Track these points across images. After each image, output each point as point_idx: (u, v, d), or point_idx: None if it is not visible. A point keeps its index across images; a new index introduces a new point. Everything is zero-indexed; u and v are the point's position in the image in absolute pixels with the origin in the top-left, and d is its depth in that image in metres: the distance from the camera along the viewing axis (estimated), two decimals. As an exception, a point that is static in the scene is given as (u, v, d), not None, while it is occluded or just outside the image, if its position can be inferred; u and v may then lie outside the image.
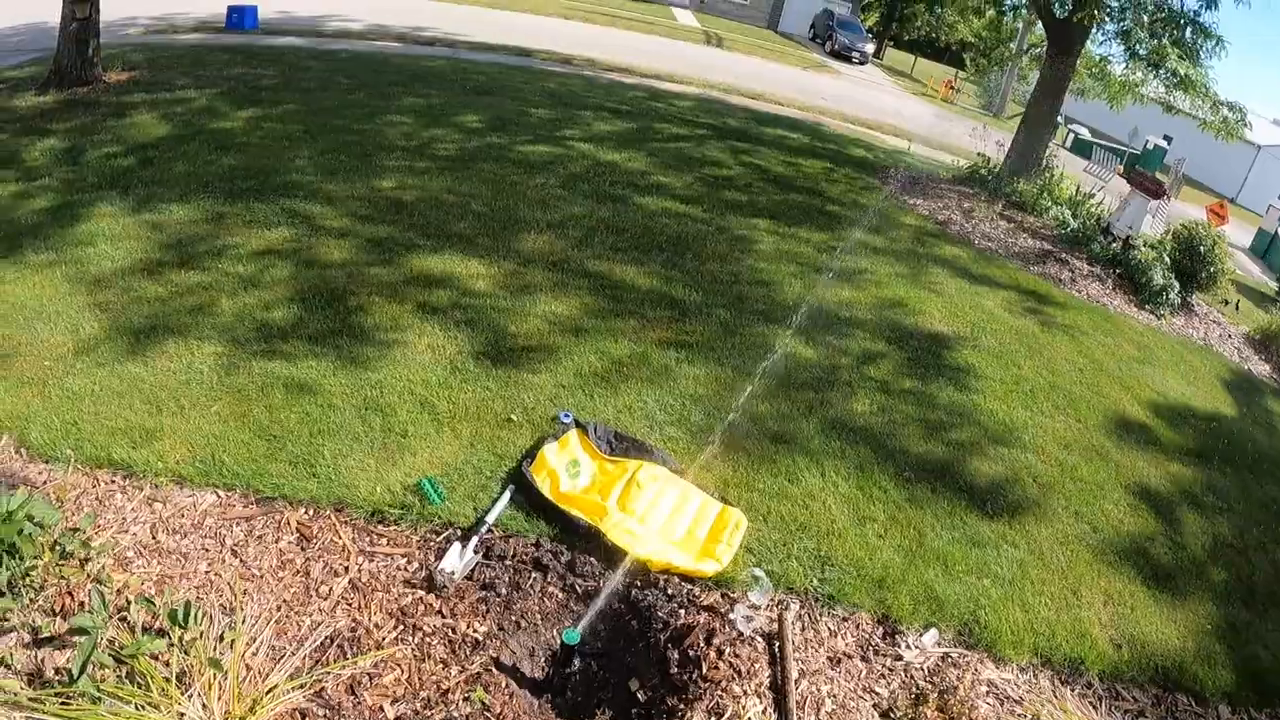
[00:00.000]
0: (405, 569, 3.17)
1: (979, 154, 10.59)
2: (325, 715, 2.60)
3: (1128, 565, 3.95)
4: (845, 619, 3.31)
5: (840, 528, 3.72)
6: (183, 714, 2.50)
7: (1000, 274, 7.24)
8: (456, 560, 3.20)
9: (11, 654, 2.53)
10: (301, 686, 2.67)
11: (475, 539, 3.29)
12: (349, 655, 2.79)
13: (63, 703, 2.42)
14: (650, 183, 7.67)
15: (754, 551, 3.51)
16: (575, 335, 4.79)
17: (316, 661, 2.77)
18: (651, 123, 10.35)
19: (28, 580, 2.70)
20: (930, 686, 3.09)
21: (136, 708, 2.46)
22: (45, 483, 3.26)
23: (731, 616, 3.18)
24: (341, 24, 14.34)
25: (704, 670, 2.93)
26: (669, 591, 3.23)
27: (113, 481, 3.32)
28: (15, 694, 2.41)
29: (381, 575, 3.13)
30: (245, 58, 10.55)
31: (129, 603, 2.73)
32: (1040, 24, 11.54)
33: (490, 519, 3.39)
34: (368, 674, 2.75)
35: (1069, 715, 3.12)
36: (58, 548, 2.82)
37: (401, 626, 2.94)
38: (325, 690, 2.67)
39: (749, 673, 2.95)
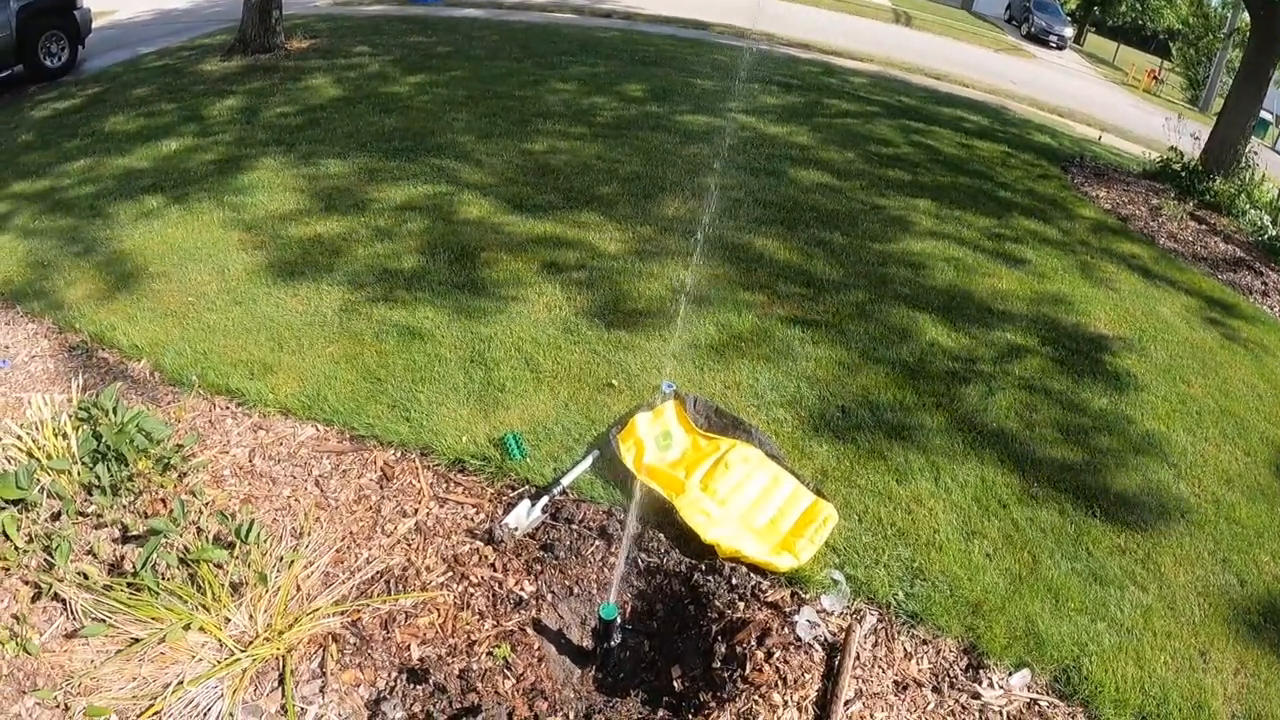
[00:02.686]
0: (472, 519, 3.21)
1: (1171, 148, 9.23)
2: (355, 644, 2.69)
3: (1272, 632, 3.19)
4: (926, 642, 2.93)
5: (943, 540, 3.30)
6: (229, 619, 2.68)
7: (1182, 278, 6.18)
8: (522, 516, 3.19)
9: (100, 545, 2.85)
10: (342, 613, 2.79)
11: (545, 499, 3.26)
12: (392, 592, 2.87)
13: (130, 593, 2.68)
14: (809, 157, 7.29)
15: (839, 552, 3.19)
16: (699, 305, 4.64)
17: (362, 593, 2.87)
18: (821, 98, 9.85)
19: (129, 484, 3.02)
20: None
21: (190, 607, 2.68)
22: (170, 403, 3.66)
23: (794, 619, 2.91)
24: (522, -3, 14.90)
25: (746, 671, 2.69)
26: (733, 581, 3.00)
27: (227, 408, 3.65)
28: (93, 579, 2.70)
29: (447, 521, 3.19)
30: (422, 27, 11.32)
31: (201, 514, 2.97)
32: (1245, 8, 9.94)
33: (566, 481, 3.35)
34: (405, 612, 2.81)
35: None
36: (161, 460, 3.14)
37: (451, 573, 2.97)
38: (361, 620, 2.77)
39: (796, 683, 2.67)
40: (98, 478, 2.94)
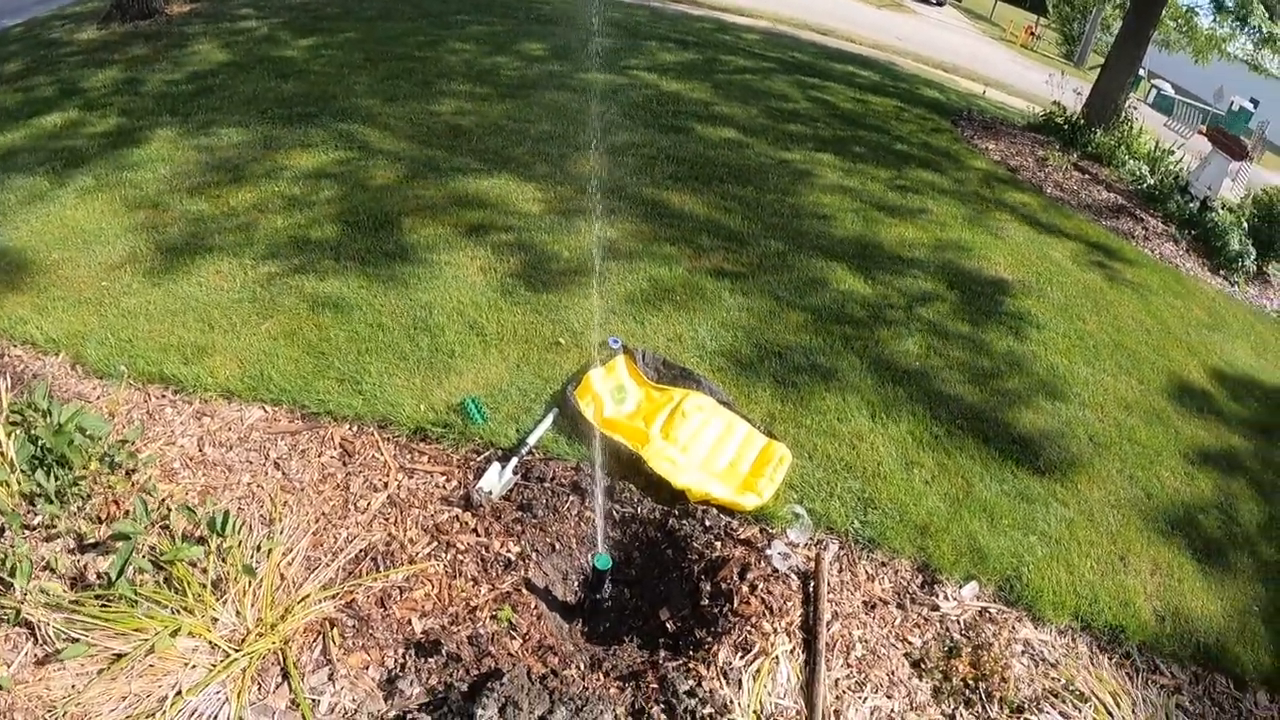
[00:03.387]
0: (444, 487, 3.09)
1: (1055, 102, 9.76)
2: (354, 625, 2.56)
3: (1178, 535, 3.60)
4: (884, 564, 3.11)
5: (886, 471, 3.47)
6: (216, 619, 2.48)
7: (1070, 225, 6.68)
8: (495, 480, 3.10)
9: (57, 558, 2.54)
10: (333, 597, 2.63)
11: (515, 460, 3.18)
12: (381, 569, 2.73)
13: (102, 605, 2.43)
14: (713, 113, 7.27)
15: (796, 489, 3.31)
16: (628, 261, 4.58)
17: (349, 574, 2.72)
18: (717, 54, 9.79)
19: (76, 489, 2.70)
20: (965, 640, 2.88)
21: (172, 611, 2.46)
22: (99, 397, 3.28)
23: (768, 552, 3.01)
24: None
25: (735, 604, 2.78)
26: (706, 523, 3.07)
27: (163, 396, 3.32)
28: (58, 596, 2.43)
29: (420, 492, 3.05)
30: (308, -13, 10.35)
31: (170, 511, 2.71)
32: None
33: (531, 441, 3.28)
34: (398, 587, 2.69)
35: (1104, 684, 2.87)
36: (106, 458, 2.82)
37: (435, 543, 2.86)
38: (356, 601, 2.63)
39: (781, 610, 2.78)
40: (40, 485, 2.60)
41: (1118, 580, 3.26)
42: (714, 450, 3.40)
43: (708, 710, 2.42)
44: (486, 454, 3.24)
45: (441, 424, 3.32)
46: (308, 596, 2.62)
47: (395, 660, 2.50)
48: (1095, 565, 3.31)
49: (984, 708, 2.68)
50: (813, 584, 2.93)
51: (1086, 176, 8.10)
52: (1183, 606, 3.25)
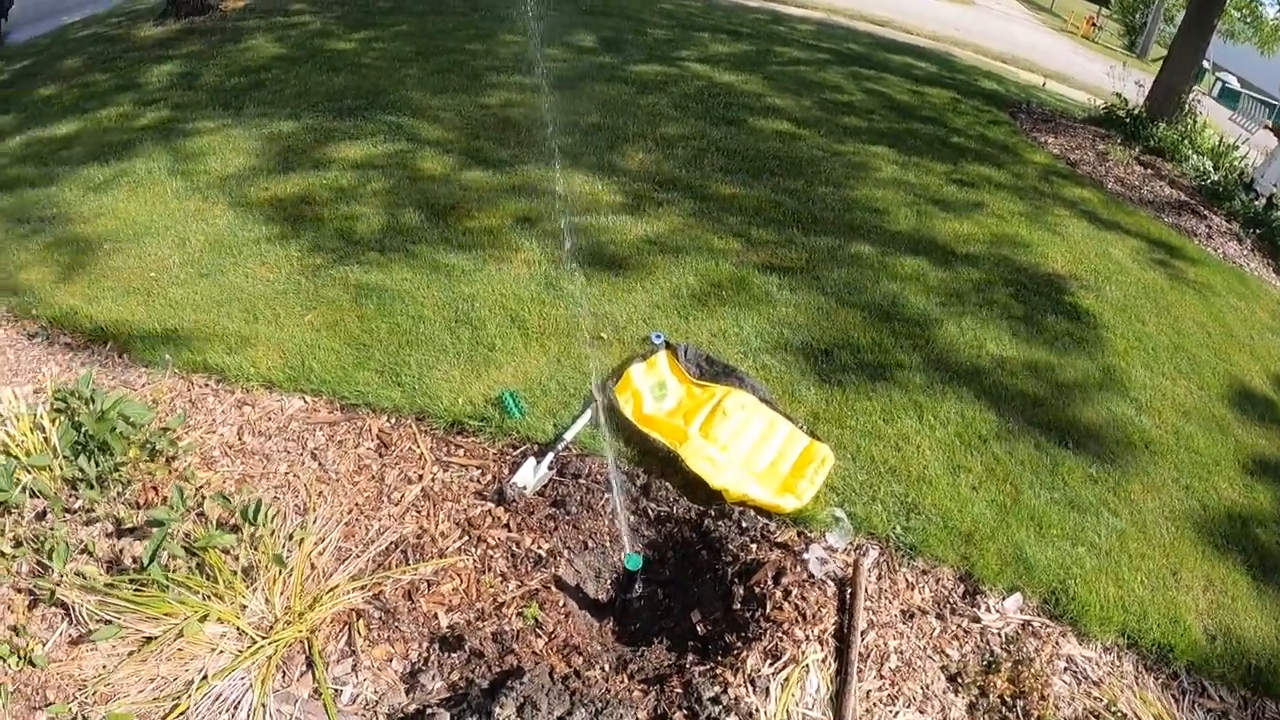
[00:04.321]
0: (478, 481, 3.05)
1: (1116, 94, 9.28)
2: (381, 617, 2.54)
3: (1235, 551, 3.33)
4: (925, 572, 2.95)
5: (932, 475, 3.30)
6: (245, 606, 2.49)
7: (1131, 221, 6.30)
8: (530, 475, 3.05)
9: (95, 542, 2.60)
10: (362, 588, 2.62)
11: (551, 455, 3.12)
12: (410, 561, 2.71)
13: (136, 590, 2.46)
14: (765, 105, 7.10)
15: (838, 491, 3.17)
16: (674, 256, 4.48)
17: (379, 565, 2.70)
18: (771, 45, 9.56)
19: (116, 475, 2.76)
20: (1005, 655, 2.71)
21: (203, 597, 2.48)
22: (144, 385, 3.35)
23: (805, 557, 2.88)
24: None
25: (767, 610, 2.66)
26: (742, 524, 2.95)
27: (206, 385, 3.37)
28: (93, 579, 2.47)
29: (454, 485, 3.02)
30: (360, -19, 10.50)
31: (203, 499, 2.74)
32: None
33: (568, 436, 3.21)
34: (427, 581, 2.67)
35: (1148, 706, 2.66)
36: (147, 445, 2.87)
37: (466, 537, 2.83)
38: (383, 593, 2.61)
39: (814, 617, 2.66)
40: (82, 471, 2.66)
41: (1168, 596, 3.04)
42: (754, 450, 3.28)
43: (731, 719, 2.33)
44: (523, 449, 3.20)
45: (479, 417, 3.28)
46: (336, 587, 2.61)
47: (419, 654, 2.48)
48: (1146, 579, 3.08)
49: None
50: (849, 591, 2.79)
51: (1149, 171, 7.67)
52: (1235, 626, 3.01)
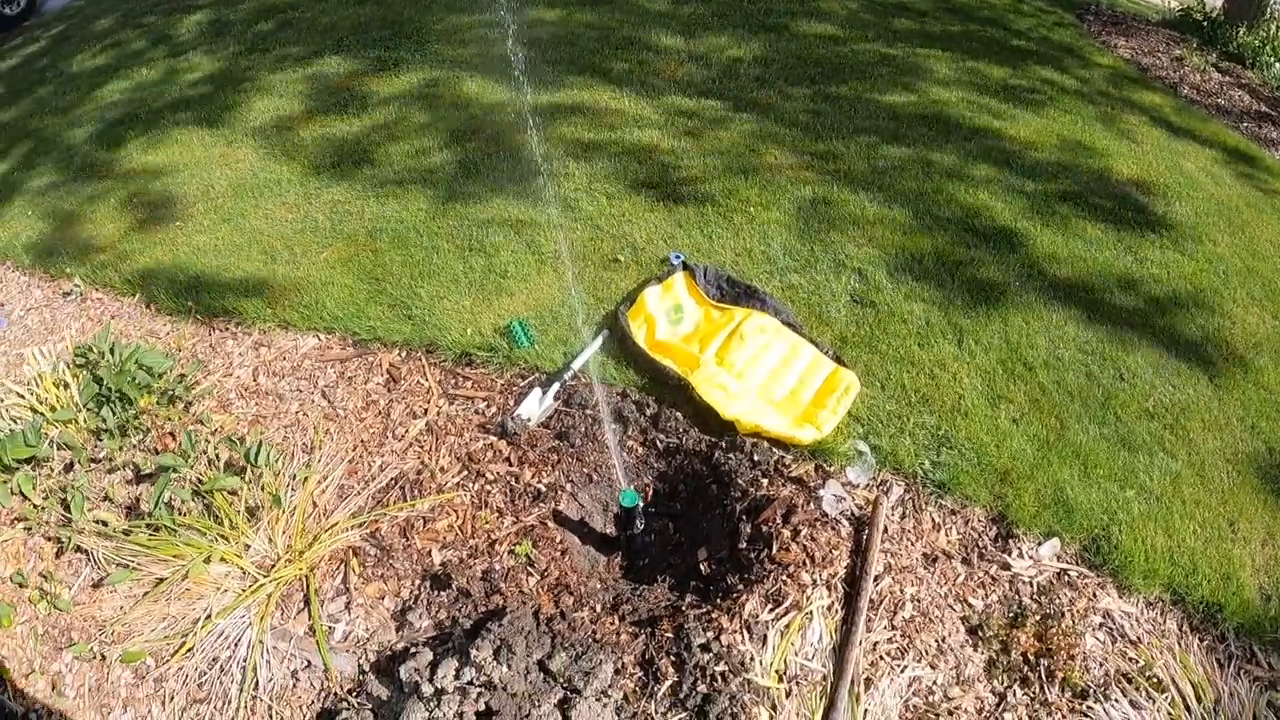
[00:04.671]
0: (483, 413, 3.00)
1: None
2: (376, 555, 2.57)
3: None
4: (954, 512, 2.70)
5: (968, 406, 2.99)
6: (249, 545, 2.57)
7: (1206, 130, 5.41)
8: (535, 406, 2.96)
9: (115, 490, 2.73)
10: (360, 525, 2.66)
11: (557, 385, 3.02)
12: (409, 498, 2.72)
13: (151, 534, 2.58)
14: (808, 9, 6.36)
15: (863, 422, 2.93)
16: (701, 171, 4.17)
17: (379, 502, 2.73)
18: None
19: (137, 423, 2.86)
20: (1036, 606, 2.47)
21: (210, 539, 2.57)
22: (168, 334, 3.45)
23: (819, 493, 2.70)
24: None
25: (773, 550, 2.52)
26: (755, 457, 2.78)
27: (226, 329, 3.43)
28: (111, 526, 2.60)
29: (458, 418, 2.99)
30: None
31: (210, 443, 2.82)
32: None
33: (576, 365, 3.09)
34: (423, 517, 2.67)
35: (1188, 671, 2.36)
36: (166, 393, 2.97)
37: (466, 472, 2.80)
38: (380, 530, 2.64)
39: (825, 560, 2.49)
40: (104, 421, 2.80)
41: (1223, 549, 2.67)
42: (773, 376, 3.07)
43: (721, 668, 2.23)
44: (531, 379, 3.11)
45: (487, 347, 3.21)
46: (336, 525, 2.66)
47: (410, 592, 2.50)
48: (1199, 529, 2.72)
49: (1043, 688, 2.31)
50: (866, 532, 2.60)
51: (1227, 79, 6.60)
52: None
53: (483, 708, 2.10)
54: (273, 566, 2.53)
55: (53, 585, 2.52)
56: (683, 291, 3.41)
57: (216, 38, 6.18)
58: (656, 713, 2.20)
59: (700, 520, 2.84)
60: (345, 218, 3.94)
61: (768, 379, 3.07)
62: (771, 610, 2.39)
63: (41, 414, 2.85)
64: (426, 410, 3.03)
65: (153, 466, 2.75)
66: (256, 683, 2.33)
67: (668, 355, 3.15)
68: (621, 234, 3.75)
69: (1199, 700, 2.32)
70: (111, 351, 2.94)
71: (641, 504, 2.62)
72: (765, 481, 2.75)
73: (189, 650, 2.39)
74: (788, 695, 2.26)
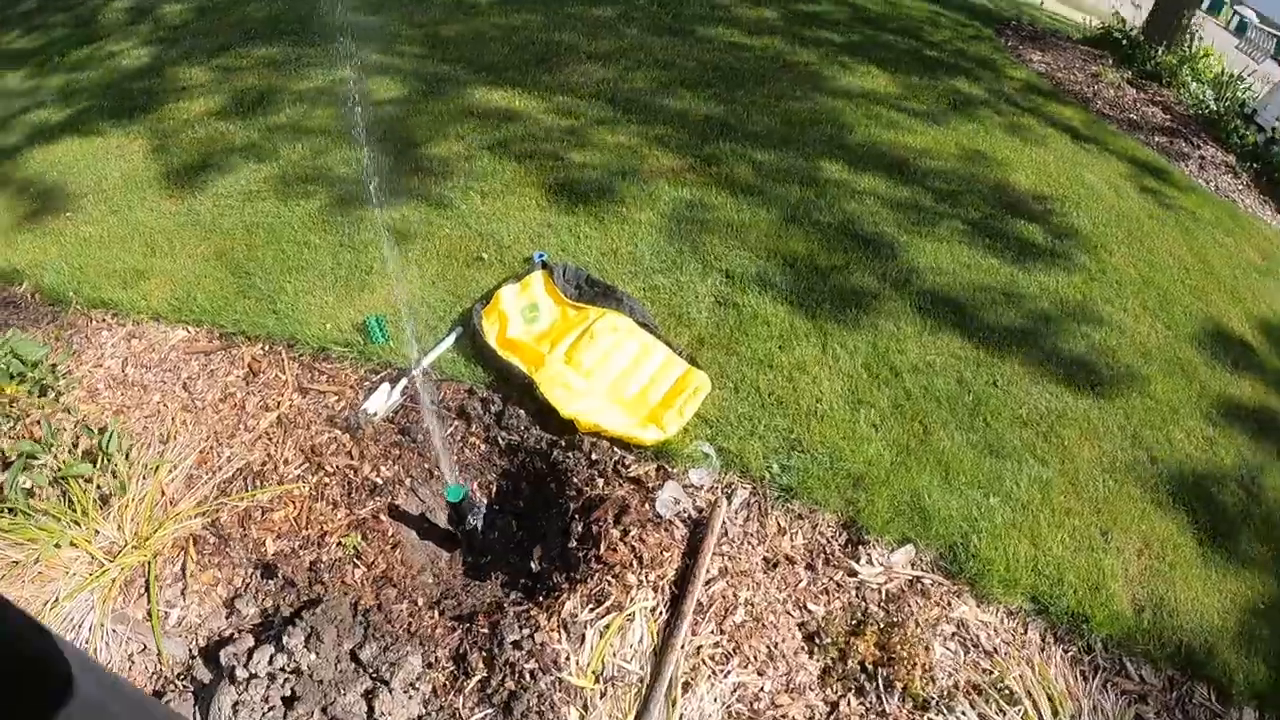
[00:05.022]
0: (333, 407, 3.11)
1: (1115, 12, 8.44)
2: (215, 543, 2.69)
3: (1180, 510, 3.05)
4: (801, 517, 2.82)
5: (825, 410, 3.13)
6: (98, 531, 2.68)
7: (1115, 143, 5.64)
8: (382, 401, 3.09)
9: (-20, 476, 2.80)
10: (203, 514, 2.77)
11: (405, 381, 3.15)
12: (250, 488, 2.84)
13: (10, 518, 2.65)
14: (718, 16, 6.48)
15: (712, 424, 3.06)
16: (580, 170, 4.27)
17: (222, 492, 2.84)
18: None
19: (8, 411, 2.92)
20: (882, 614, 2.55)
21: (64, 525, 2.67)
22: (50, 322, 3.50)
23: (656, 495, 2.83)
24: None
25: (600, 550, 2.65)
26: (593, 457, 2.93)
27: (103, 320, 3.50)
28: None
29: (308, 412, 3.10)
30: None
31: (70, 431, 2.90)
32: None
33: (426, 362, 3.21)
34: (262, 508, 2.79)
35: (1046, 683, 2.45)
36: (38, 382, 3.02)
37: (308, 464, 2.92)
38: (220, 520, 2.75)
39: (654, 561, 2.62)
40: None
41: (1094, 559, 2.81)
42: (624, 376, 3.19)
43: (531, 665, 2.35)
44: (384, 374, 3.22)
45: (344, 343, 3.32)
46: (180, 513, 2.77)
47: (242, 580, 2.63)
48: (1069, 538, 2.86)
49: (880, 699, 2.40)
50: (703, 534, 2.72)
51: (1142, 95, 6.94)
52: (1169, 597, 2.78)
53: (288, 693, 2.25)
54: (119, 553, 2.64)
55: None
56: (539, 290, 3.52)
57: (131, 25, 6.13)
58: (464, 707, 2.31)
59: (540, 519, 2.98)
60: (226, 212, 4.00)
61: (617, 379, 3.19)
62: (592, 610, 2.50)
63: None
64: (279, 403, 3.13)
65: (15, 454, 2.84)
66: (93, 665, 2.45)
67: (516, 353, 3.27)
68: (490, 232, 3.85)
69: (1056, 714, 2.40)
70: None
71: (473, 499, 2.76)
72: (601, 481, 2.89)
73: (33, 633, 2.50)
74: (602, 696, 2.35)
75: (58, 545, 2.63)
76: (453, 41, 5.66)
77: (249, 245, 3.78)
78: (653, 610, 2.53)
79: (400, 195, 4.07)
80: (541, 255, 3.62)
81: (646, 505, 2.80)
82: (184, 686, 2.39)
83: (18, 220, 4.11)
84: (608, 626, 2.47)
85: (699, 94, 5.12)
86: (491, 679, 2.35)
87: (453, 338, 3.32)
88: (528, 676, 2.34)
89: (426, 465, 2.99)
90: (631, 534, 2.70)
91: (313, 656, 2.29)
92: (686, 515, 2.79)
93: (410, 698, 2.30)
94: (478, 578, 2.86)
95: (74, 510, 2.71)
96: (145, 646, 2.50)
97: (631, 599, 2.54)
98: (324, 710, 2.25)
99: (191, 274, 3.63)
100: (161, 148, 4.57)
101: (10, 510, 2.70)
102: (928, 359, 3.41)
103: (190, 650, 2.49)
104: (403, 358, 3.25)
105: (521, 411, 3.09)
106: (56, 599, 2.55)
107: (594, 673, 2.39)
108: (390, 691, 2.28)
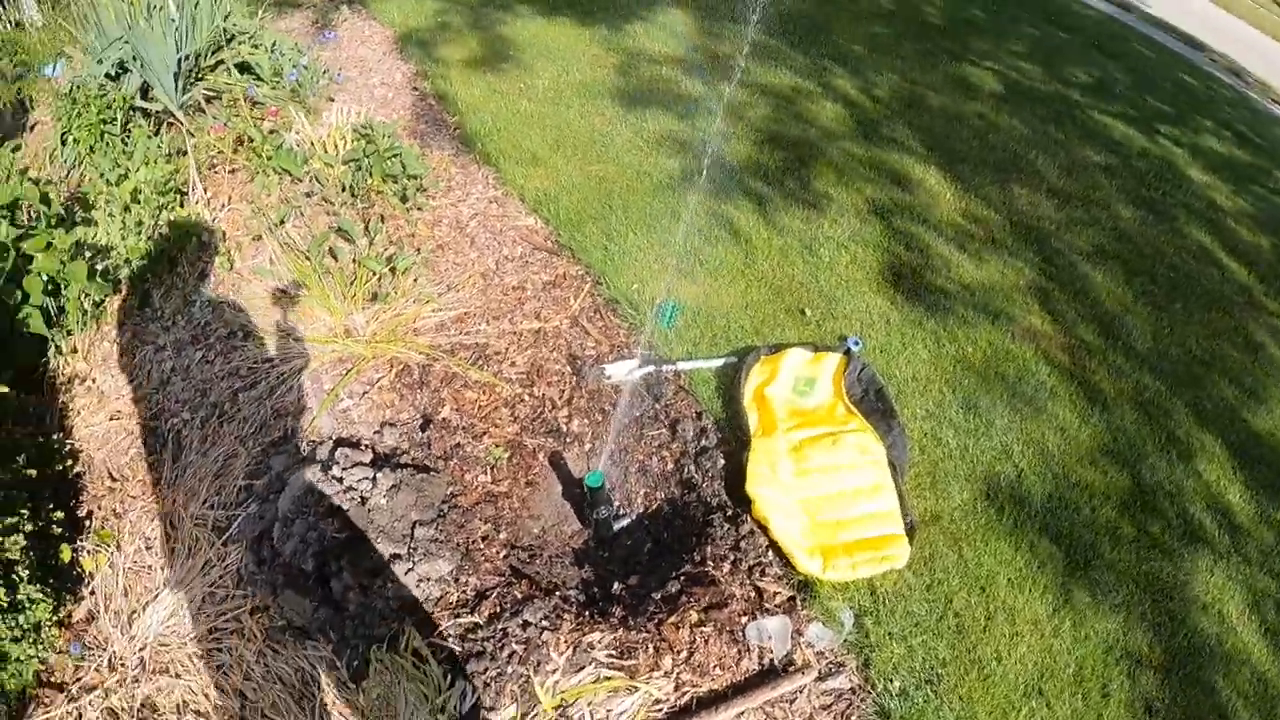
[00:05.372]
0: (582, 350, 3.23)
1: None
2: (412, 380, 3.03)
3: None
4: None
5: (993, 673, 2.40)
6: (351, 314, 3.18)
7: None
8: (622, 372, 3.17)
9: (318, 225, 3.51)
10: (425, 355, 3.09)
11: (653, 368, 3.16)
12: (473, 362, 3.11)
13: (301, 263, 3.29)
14: (1209, 215, 5.14)
15: (875, 597, 2.54)
16: (951, 286, 3.82)
17: (452, 351, 3.13)
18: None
19: (366, 196, 3.64)
20: None
21: (338, 297, 3.20)
22: (454, 155, 4.18)
23: (759, 616, 2.42)
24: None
25: (666, 619, 2.38)
26: (741, 543, 2.60)
27: (487, 178, 4.07)
28: (293, 240, 3.37)
29: (562, 341, 3.27)
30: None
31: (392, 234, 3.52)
32: None
33: (681, 366, 3.19)
34: (465, 382, 3.04)
35: None
36: (402, 190, 3.69)
37: (525, 378, 3.11)
38: (430, 368, 3.08)
39: (699, 667, 2.30)
40: (353, 177, 3.60)
41: None
42: (831, 498, 2.79)
43: (518, 649, 2.24)
44: (643, 353, 3.23)
45: (635, 307, 3.43)
46: (412, 343, 3.14)
47: (406, 419, 2.90)
48: None
49: None
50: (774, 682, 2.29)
51: None
52: None
53: (345, 505, 2.44)
54: (350, 338, 3.11)
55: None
56: (828, 371, 3.22)
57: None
58: (443, 625, 2.30)
59: (659, 557, 2.75)
60: (634, 152, 4.38)
61: (825, 496, 2.80)
62: (608, 655, 2.27)
63: (316, 149, 3.73)
64: (549, 320, 3.36)
65: (358, 229, 3.50)
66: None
67: (759, 410, 3.05)
68: (828, 294, 3.64)
69: None
70: (380, 137, 3.73)
71: (609, 494, 2.63)
72: (728, 566, 2.57)
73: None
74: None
75: (317, 303, 3.17)
76: (929, 111, 5.48)
77: (628, 188, 4.10)
78: (655, 703, 2.23)
79: (772, 220, 4.04)
80: (856, 343, 3.30)
81: (745, 618, 2.43)
82: (305, 447, 2.74)
83: (485, 70, 4.99)
84: (608, 679, 2.25)
85: (1128, 282, 4.21)
86: (479, 631, 2.30)
87: (721, 362, 3.24)
88: (505, 656, 2.26)
89: (611, 443, 2.97)
90: (706, 629, 2.38)
91: (383, 501, 2.44)
92: (769, 658, 2.37)
93: (417, 586, 2.35)
94: (575, 560, 2.75)
95: (349, 289, 3.25)
96: (310, 409, 2.90)
97: (649, 679, 2.26)
98: (353, 505, 2.43)
99: (572, 184, 4.07)
100: (627, 70, 5.19)
101: (308, 257, 3.33)
102: None
103: (332, 432, 2.82)
104: (668, 351, 3.28)
105: (721, 461, 2.90)
106: (289, 335, 3.10)
107: (562, 704, 2.19)
108: (407, 568, 2.36)
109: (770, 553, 2.64)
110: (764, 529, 2.67)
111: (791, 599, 2.52)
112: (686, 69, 5.36)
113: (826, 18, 6.56)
